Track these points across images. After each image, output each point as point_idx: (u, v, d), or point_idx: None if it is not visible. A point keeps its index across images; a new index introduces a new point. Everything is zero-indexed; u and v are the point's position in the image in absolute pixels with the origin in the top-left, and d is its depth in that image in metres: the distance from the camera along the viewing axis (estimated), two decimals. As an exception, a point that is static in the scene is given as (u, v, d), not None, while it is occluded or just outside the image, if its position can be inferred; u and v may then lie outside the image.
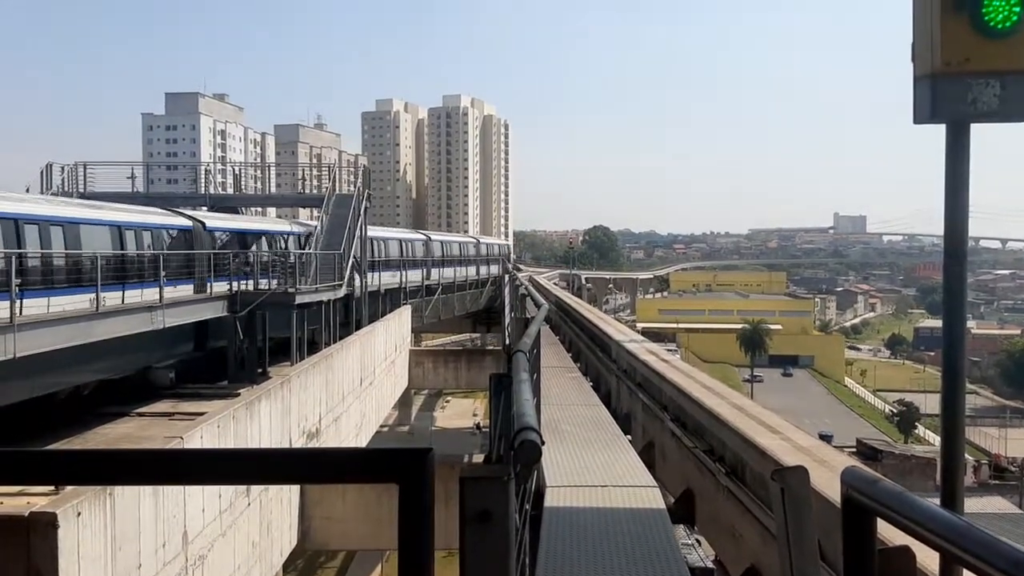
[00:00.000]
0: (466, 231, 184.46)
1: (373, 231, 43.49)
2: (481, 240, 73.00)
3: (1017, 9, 4.26)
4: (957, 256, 4.45)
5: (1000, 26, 4.26)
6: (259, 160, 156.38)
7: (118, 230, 22.19)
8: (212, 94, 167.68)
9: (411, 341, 47.23)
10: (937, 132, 4.44)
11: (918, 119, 4.44)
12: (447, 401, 79.44)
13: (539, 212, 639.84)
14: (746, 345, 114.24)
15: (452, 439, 59.60)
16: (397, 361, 37.95)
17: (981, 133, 4.46)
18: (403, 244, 48.26)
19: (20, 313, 15.21)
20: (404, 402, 56.69)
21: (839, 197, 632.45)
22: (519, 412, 3.29)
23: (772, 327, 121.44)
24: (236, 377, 24.02)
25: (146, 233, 23.58)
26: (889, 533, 2.15)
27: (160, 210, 26.34)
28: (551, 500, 7.79)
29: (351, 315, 32.53)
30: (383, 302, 39.34)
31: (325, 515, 20.27)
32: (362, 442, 27.82)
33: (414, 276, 46.58)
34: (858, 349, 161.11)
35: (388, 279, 42.64)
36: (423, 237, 55.16)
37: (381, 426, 37.10)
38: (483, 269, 62.37)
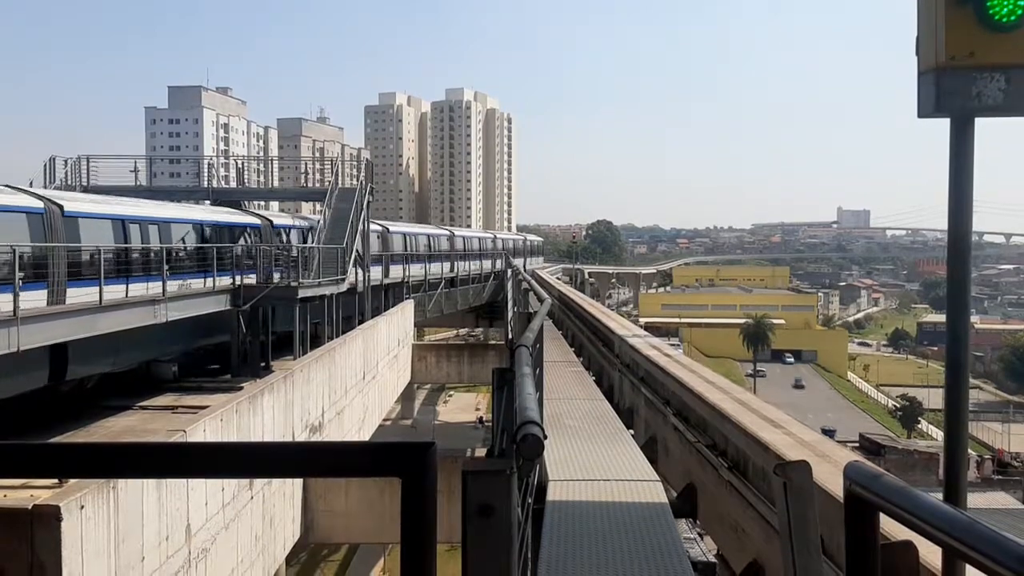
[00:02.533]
0: (469, 226, 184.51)
1: (461, 231, 64.80)
2: (528, 238, 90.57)
3: (1021, 3, 4.24)
4: (961, 250, 4.44)
5: (1005, 19, 4.24)
6: (262, 154, 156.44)
7: None
8: (215, 88, 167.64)
9: (414, 335, 47.30)
10: (942, 126, 4.43)
11: (922, 113, 4.42)
12: (450, 395, 79.51)
13: (542, 206, 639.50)
14: (749, 340, 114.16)
15: (455, 433, 59.66)
16: (400, 355, 37.98)
17: (986, 127, 4.46)
18: (480, 240, 65.48)
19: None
20: (407, 396, 56.75)
21: (843, 191, 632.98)
22: (521, 406, 3.28)
23: (775, 322, 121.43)
24: (239, 371, 24.07)
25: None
26: (892, 528, 2.15)
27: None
28: (553, 494, 7.80)
29: (355, 308, 32.61)
30: (386, 296, 39.40)
31: (328, 509, 20.31)
32: (365, 436, 27.86)
33: (417, 270, 47.94)
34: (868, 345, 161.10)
35: (475, 267, 58.65)
36: (491, 235, 75.44)
37: (384, 420, 37.16)
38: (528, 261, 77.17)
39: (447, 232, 57.73)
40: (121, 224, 21.97)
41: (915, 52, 4.48)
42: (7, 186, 19.58)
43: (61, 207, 19.95)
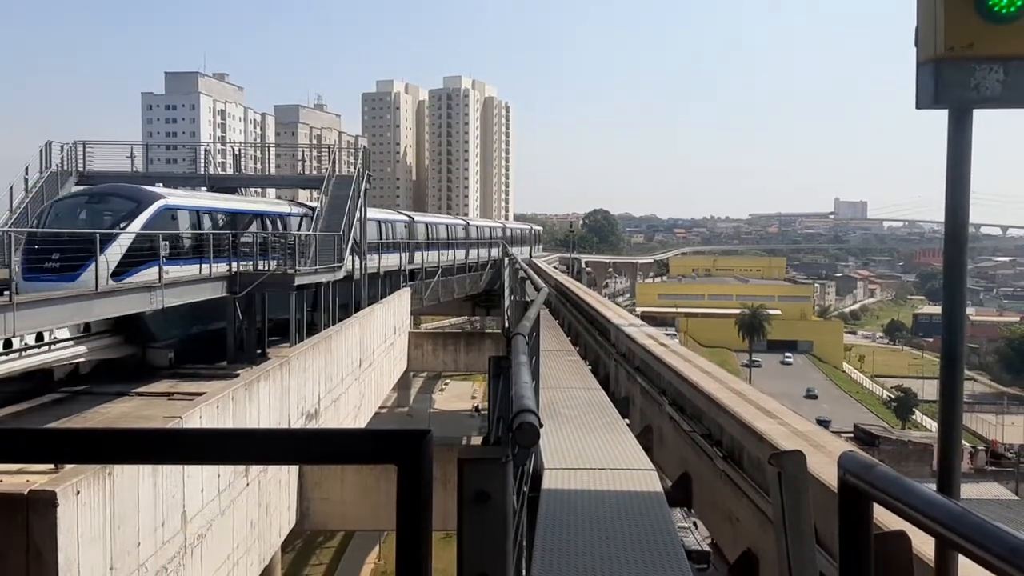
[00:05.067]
0: (466, 214, 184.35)
1: (515, 225, 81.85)
2: (524, 227, 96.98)
3: (1022, -6, 4.23)
4: (958, 242, 4.44)
5: (1004, 11, 4.23)
6: (259, 140, 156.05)
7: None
8: (212, 73, 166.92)
9: (410, 323, 47.33)
10: (940, 118, 4.43)
11: (921, 104, 4.42)
12: (446, 383, 79.58)
13: (539, 195, 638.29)
14: (745, 330, 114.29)
15: (451, 421, 59.78)
16: (396, 343, 37.99)
17: (984, 119, 4.45)
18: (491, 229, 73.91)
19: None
20: (403, 384, 56.82)
21: (840, 182, 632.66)
22: (518, 394, 3.28)
23: (771, 312, 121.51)
24: (235, 358, 24.05)
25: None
26: (885, 518, 2.15)
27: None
28: (549, 482, 7.80)
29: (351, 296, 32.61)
30: (383, 284, 39.38)
31: (323, 496, 20.35)
32: (361, 423, 27.89)
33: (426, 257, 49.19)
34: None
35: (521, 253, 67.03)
36: (528, 227, 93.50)
37: (380, 408, 37.20)
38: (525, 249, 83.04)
39: (501, 224, 78.15)
40: (426, 225, 48.31)
41: (914, 43, 4.47)
42: (393, 209, 45.97)
43: (412, 218, 46.07)
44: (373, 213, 39.66)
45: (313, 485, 20.10)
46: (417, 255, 46.02)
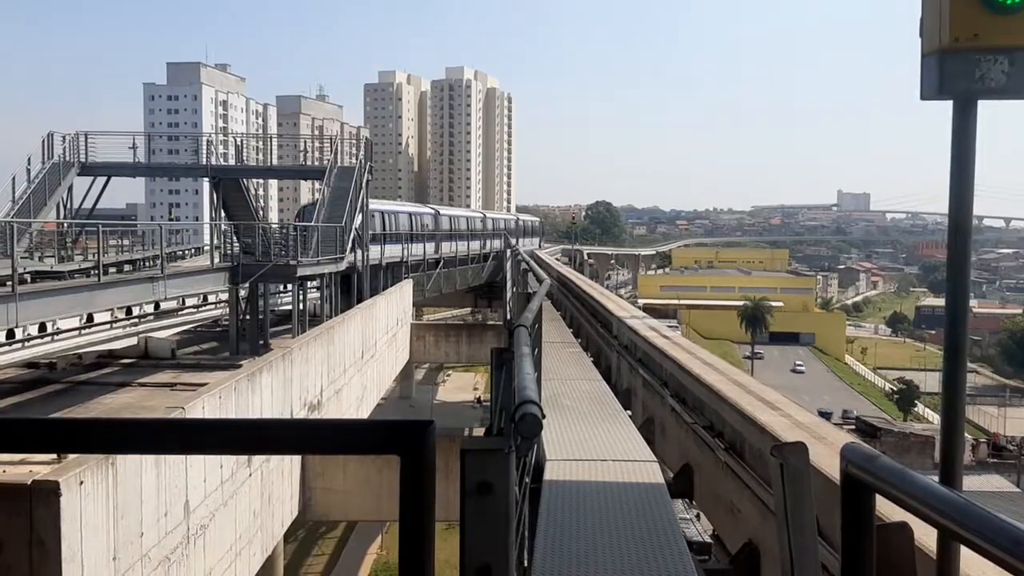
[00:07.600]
0: (468, 205, 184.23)
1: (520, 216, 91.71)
2: (522, 218, 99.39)
3: (1027, -15, 4.21)
4: (962, 233, 4.43)
5: (1009, 2, 4.21)
6: (261, 131, 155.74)
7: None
8: (214, 64, 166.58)
9: (413, 315, 47.37)
10: (944, 109, 4.41)
11: (925, 95, 4.40)
12: (448, 375, 79.67)
13: (542, 187, 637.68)
14: (747, 322, 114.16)
15: (453, 413, 59.86)
16: (398, 334, 38.02)
17: (988, 111, 4.44)
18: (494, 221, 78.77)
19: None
20: (405, 375, 56.88)
21: (843, 174, 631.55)
22: (520, 386, 3.29)
23: (774, 304, 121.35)
24: (237, 348, 24.08)
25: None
26: (887, 509, 2.15)
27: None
28: (551, 473, 7.81)
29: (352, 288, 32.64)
30: (385, 275, 39.42)
31: (326, 486, 20.39)
32: (363, 414, 27.93)
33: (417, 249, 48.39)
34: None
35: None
36: (529, 218, 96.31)
37: (382, 399, 37.24)
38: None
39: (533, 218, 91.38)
40: (492, 219, 61.82)
41: (919, 34, 4.45)
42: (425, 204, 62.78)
43: (438, 211, 52.29)
44: (460, 211, 63.59)
45: (315, 475, 20.13)
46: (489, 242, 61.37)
